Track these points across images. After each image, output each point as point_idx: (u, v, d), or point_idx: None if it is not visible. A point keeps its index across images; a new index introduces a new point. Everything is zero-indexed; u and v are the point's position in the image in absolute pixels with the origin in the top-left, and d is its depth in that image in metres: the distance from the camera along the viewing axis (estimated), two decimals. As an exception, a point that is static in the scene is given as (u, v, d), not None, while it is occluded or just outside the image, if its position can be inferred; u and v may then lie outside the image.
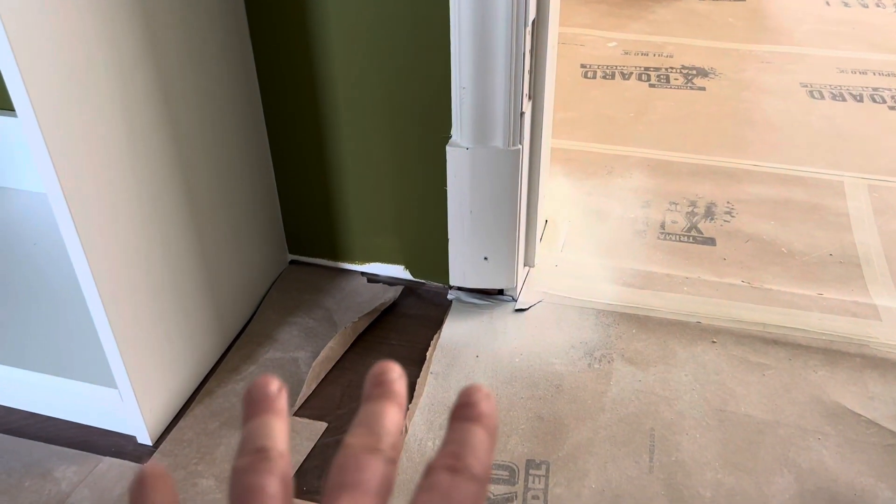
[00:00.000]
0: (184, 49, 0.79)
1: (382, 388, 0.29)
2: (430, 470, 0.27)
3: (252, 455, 0.27)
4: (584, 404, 0.87)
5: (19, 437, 0.84)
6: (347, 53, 0.89)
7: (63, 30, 0.64)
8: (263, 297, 1.03)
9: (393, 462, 0.27)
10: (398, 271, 1.05)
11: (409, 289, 1.05)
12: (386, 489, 0.27)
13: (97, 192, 0.70)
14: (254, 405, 0.28)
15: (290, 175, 1.01)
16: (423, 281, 1.05)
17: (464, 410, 0.28)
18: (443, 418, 0.86)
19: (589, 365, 0.92)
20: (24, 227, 1.07)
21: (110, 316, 0.74)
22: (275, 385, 0.29)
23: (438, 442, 0.83)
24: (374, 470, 0.26)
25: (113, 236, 0.73)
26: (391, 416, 0.28)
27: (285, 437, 0.28)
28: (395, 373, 0.29)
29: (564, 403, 0.88)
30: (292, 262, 1.09)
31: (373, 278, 1.06)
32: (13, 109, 1.07)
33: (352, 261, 1.06)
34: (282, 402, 0.29)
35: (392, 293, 1.02)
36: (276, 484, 0.26)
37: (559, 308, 1.00)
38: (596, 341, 0.95)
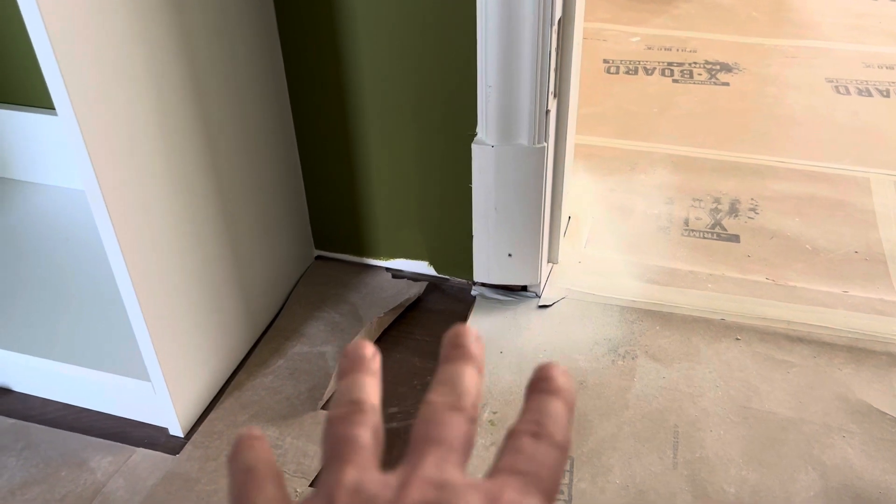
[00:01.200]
0: (215, 47, 0.80)
1: (460, 350, 0.30)
2: (512, 434, 0.27)
3: (346, 406, 0.28)
4: (607, 400, 0.88)
5: (55, 427, 0.87)
6: (374, 51, 0.90)
7: (101, 30, 0.65)
8: (290, 292, 1.04)
9: (473, 421, 0.28)
10: (422, 267, 1.06)
11: (433, 285, 1.06)
12: (468, 447, 0.27)
13: (133, 189, 0.72)
14: (349, 365, 0.30)
15: (317, 171, 1.02)
16: (447, 277, 1.06)
17: (542, 384, 0.29)
18: (468, 413, 0.87)
19: (613, 361, 0.93)
20: (55, 222, 1.09)
21: (144, 310, 0.76)
22: (369, 349, 0.30)
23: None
24: (458, 427, 0.27)
25: (147, 231, 0.75)
26: (470, 376, 0.29)
27: (378, 394, 0.29)
28: (472, 335, 0.30)
29: (588, 399, 0.88)
30: (318, 257, 1.10)
31: (397, 274, 1.07)
32: (45, 107, 1.10)
33: (377, 256, 1.08)
34: (375, 364, 0.30)
35: (417, 289, 1.03)
36: (367, 435, 0.27)
37: (583, 304, 1.01)
38: (620, 338, 0.96)
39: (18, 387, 0.92)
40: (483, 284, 1.03)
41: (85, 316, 0.92)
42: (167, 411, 0.84)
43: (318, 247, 1.10)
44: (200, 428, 0.86)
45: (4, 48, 1.08)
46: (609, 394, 0.89)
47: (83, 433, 0.86)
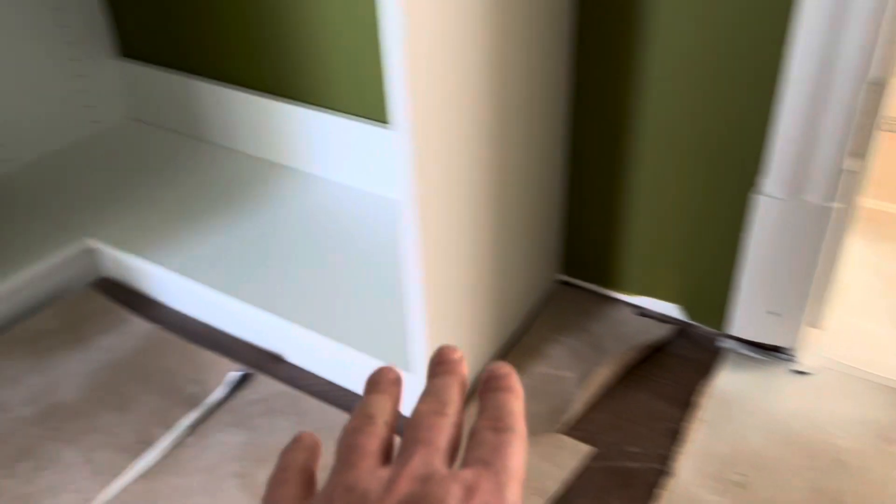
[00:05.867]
0: (523, 69, 0.84)
1: (446, 367, 0.33)
2: (475, 430, 0.31)
3: (359, 419, 0.34)
4: (871, 486, 0.82)
5: (323, 402, 0.96)
6: (663, 83, 0.90)
7: (450, 55, 0.71)
8: (535, 312, 1.07)
9: (457, 426, 0.31)
10: (669, 309, 1.04)
11: (678, 329, 1.04)
12: (453, 448, 0.30)
13: (441, 202, 0.78)
14: (374, 379, 0.35)
15: (578, 196, 1.04)
16: (695, 323, 1.03)
17: (493, 383, 0.32)
18: (713, 468, 0.85)
19: (876, 446, 0.86)
20: (350, 218, 1.19)
21: (427, 310, 0.81)
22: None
23: (707, 490, 0.82)
24: (443, 430, 0.30)
25: (439, 240, 0.81)
26: (455, 388, 0.32)
27: (393, 411, 0.34)
28: (457, 354, 0.34)
29: (847, 481, 0.83)
30: (557, 281, 1.12)
31: (642, 312, 1.06)
32: (352, 113, 1.20)
33: (622, 291, 1.08)
34: (398, 387, 0.35)
35: (665, 331, 1.02)
36: (374, 444, 0.31)
37: (843, 377, 0.94)
38: (888, 422, 0.89)
39: (291, 357, 1.02)
40: (733, 338, 1.00)
41: (362, 303, 1.00)
42: (421, 407, 0.89)
43: (560, 271, 1.12)
44: (447, 428, 0.91)
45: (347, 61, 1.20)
46: (873, 479, 0.82)
47: (347, 411, 0.94)
